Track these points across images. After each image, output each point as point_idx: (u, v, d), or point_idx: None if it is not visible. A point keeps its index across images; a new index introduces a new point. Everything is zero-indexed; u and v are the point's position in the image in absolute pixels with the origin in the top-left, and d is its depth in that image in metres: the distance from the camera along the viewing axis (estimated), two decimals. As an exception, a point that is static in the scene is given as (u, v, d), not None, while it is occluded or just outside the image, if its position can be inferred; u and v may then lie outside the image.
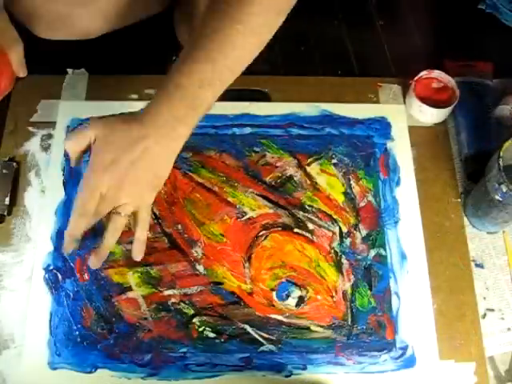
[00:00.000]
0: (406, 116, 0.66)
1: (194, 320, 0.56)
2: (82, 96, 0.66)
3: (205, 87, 0.48)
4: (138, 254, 0.52)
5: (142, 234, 0.51)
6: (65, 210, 0.59)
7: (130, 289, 0.57)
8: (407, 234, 0.60)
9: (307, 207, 0.61)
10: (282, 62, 0.71)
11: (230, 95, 0.66)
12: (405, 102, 0.67)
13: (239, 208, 0.61)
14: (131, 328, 0.55)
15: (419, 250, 0.59)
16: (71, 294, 0.56)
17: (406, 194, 0.62)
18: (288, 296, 0.57)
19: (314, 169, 0.63)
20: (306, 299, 0.57)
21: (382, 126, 0.65)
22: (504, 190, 0.53)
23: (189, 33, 0.64)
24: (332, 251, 0.59)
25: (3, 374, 0.53)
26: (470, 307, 0.57)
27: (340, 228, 0.60)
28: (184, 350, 0.54)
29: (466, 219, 0.62)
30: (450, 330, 0.56)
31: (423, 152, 0.64)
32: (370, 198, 0.62)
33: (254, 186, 0.62)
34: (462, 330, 0.56)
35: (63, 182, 0.61)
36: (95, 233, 0.58)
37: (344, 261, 0.59)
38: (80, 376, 0.53)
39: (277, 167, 0.63)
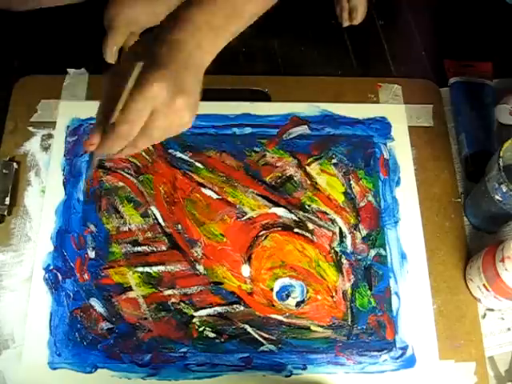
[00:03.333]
0: (405, 116, 0.66)
1: (194, 320, 0.56)
2: (82, 96, 0.66)
3: None
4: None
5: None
6: (65, 210, 0.59)
7: (130, 289, 0.57)
8: (407, 234, 0.60)
9: (307, 207, 0.61)
10: (281, 62, 0.71)
11: (230, 95, 0.66)
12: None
13: (239, 208, 0.61)
14: (131, 328, 0.55)
15: (419, 250, 0.59)
16: (71, 294, 0.56)
17: (406, 193, 0.62)
18: (288, 296, 0.57)
19: (314, 169, 0.63)
20: (306, 299, 0.57)
21: (382, 126, 0.65)
22: (504, 189, 0.53)
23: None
24: (332, 251, 0.59)
25: (3, 374, 0.53)
26: (470, 307, 0.57)
27: (340, 228, 0.60)
28: (184, 349, 0.54)
29: (465, 219, 0.62)
30: (450, 330, 0.56)
31: (423, 152, 0.64)
32: (370, 197, 0.62)
33: (254, 186, 0.62)
34: (462, 330, 0.56)
35: (63, 182, 0.61)
36: (94, 233, 0.59)
37: (344, 261, 0.59)
38: (80, 376, 0.53)
39: (277, 167, 0.63)
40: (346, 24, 0.72)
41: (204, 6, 0.43)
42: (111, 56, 0.65)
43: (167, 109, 0.40)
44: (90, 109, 0.64)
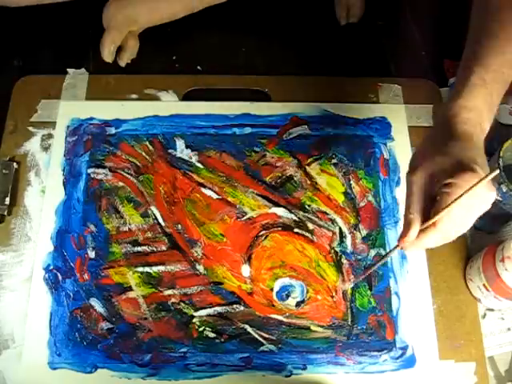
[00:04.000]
0: (405, 116, 0.66)
1: (194, 320, 0.56)
2: (82, 96, 0.66)
3: None
4: None
5: None
6: (65, 210, 0.59)
7: (130, 289, 0.57)
8: (407, 233, 0.60)
9: (307, 207, 0.61)
10: (282, 62, 0.71)
11: (230, 95, 0.67)
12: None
13: (239, 208, 0.61)
14: (131, 328, 0.55)
15: (419, 250, 0.59)
16: (71, 294, 0.56)
17: (406, 194, 0.62)
18: (288, 296, 0.57)
19: (314, 169, 0.63)
20: (305, 299, 0.57)
21: (382, 126, 0.65)
22: (504, 189, 0.53)
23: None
24: (332, 251, 0.59)
25: (3, 374, 0.53)
26: (470, 307, 0.57)
27: (340, 228, 0.60)
28: (184, 349, 0.54)
29: (466, 219, 0.62)
30: (450, 330, 0.56)
31: (423, 152, 0.64)
32: (370, 198, 0.62)
33: (254, 186, 0.62)
34: (462, 330, 0.56)
35: (63, 182, 0.61)
36: (94, 233, 0.59)
37: (344, 261, 0.59)
38: (80, 376, 0.53)
39: (277, 167, 0.63)
40: (343, 22, 0.72)
41: None
42: (109, 55, 0.65)
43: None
44: (90, 109, 0.65)
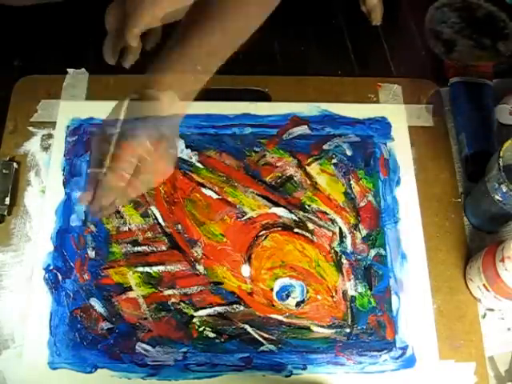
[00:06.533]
0: (405, 116, 0.66)
1: (194, 320, 0.56)
2: (82, 96, 0.66)
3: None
4: None
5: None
6: (65, 210, 0.59)
7: (130, 289, 0.57)
8: (407, 233, 0.60)
9: (307, 207, 0.61)
10: (282, 62, 0.71)
11: (230, 95, 0.67)
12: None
13: (239, 208, 0.61)
14: (131, 328, 0.55)
15: (419, 250, 0.59)
16: (71, 294, 0.56)
17: (406, 194, 0.62)
18: (288, 296, 0.57)
19: (313, 169, 0.63)
20: (305, 299, 0.57)
21: (382, 126, 0.65)
22: (504, 189, 0.53)
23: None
24: (332, 251, 0.59)
25: (3, 374, 0.53)
26: (470, 307, 0.57)
27: (340, 228, 0.60)
28: (184, 349, 0.54)
29: (466, 219, 0.62)
30: (450, 330, 0.56)
31: (423, 152, 0.64)
32: (370, 197, 0.62)
33: (254, 186, 0.62)
34: (461, 330, 0.56)
35: (63, 182, 0.61)
36: (94, 233, 0.59)
37: (344, 261, 0.59)
38: (80, 376, 0.53)
39: (277, 167, 0.63)
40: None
41: (176, 64, 0.49)
42: (111, 58, 0.65)
43: (151, 156, 0.45)
44: (90, 109, 0.65)
